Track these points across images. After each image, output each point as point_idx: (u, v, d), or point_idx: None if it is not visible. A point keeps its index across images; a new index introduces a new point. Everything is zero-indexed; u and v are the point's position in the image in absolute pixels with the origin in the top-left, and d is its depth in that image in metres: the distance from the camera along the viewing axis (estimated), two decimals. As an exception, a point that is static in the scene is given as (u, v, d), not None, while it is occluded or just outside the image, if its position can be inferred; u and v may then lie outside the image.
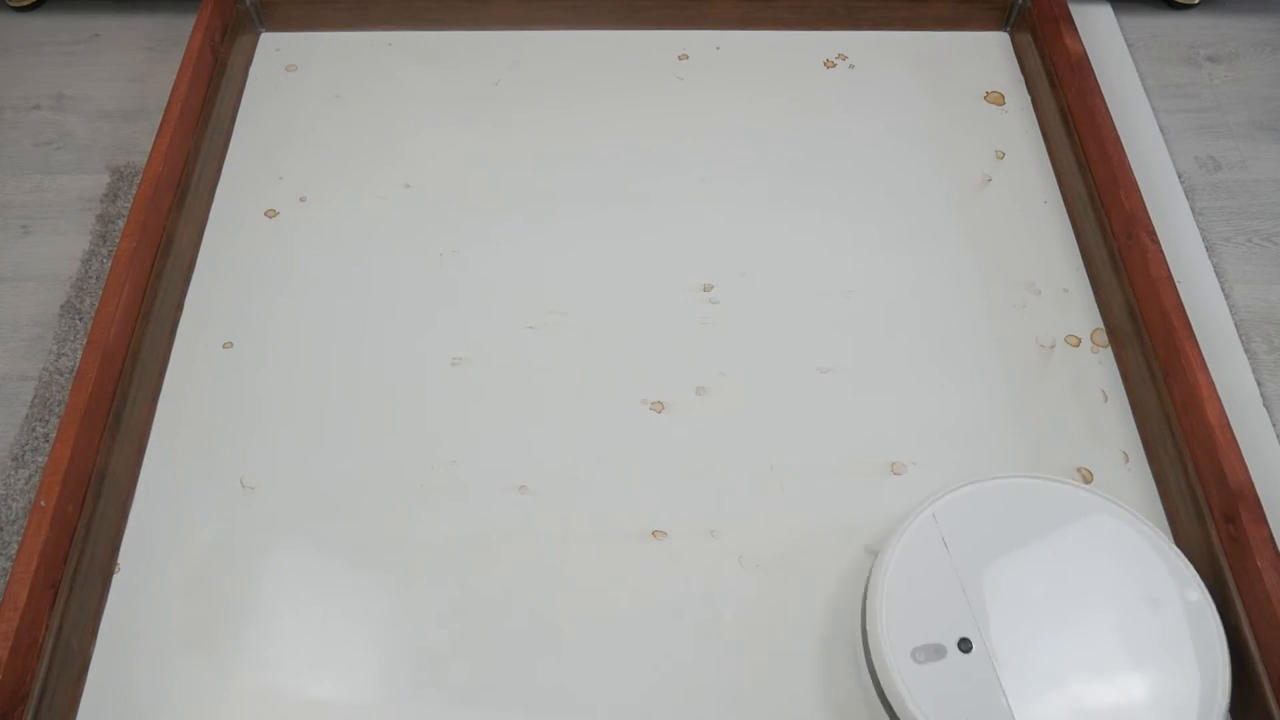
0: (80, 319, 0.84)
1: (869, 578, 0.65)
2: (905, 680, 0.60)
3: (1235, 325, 0.84)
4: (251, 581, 0.69)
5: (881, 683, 0.62)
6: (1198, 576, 0.63)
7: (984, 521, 0.66)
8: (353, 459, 0.75)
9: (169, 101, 0.87)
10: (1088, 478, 0.75)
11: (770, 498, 0.73)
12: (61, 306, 0.85)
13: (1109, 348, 0.81)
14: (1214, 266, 0.88)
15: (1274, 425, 0.79)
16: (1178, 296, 0.76)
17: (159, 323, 0.80)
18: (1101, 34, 1.06)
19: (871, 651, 0.62)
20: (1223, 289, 0.86)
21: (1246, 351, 0.83)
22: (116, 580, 0.70)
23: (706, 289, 0.84)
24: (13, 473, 0.76)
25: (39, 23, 1.07)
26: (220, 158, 0.92)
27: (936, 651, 0.61)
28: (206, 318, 0.82)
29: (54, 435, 0.72)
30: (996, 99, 0.98)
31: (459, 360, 0.80)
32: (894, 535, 0.65)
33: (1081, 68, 0.90)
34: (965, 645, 0.61)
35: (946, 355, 0.81)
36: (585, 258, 0.86)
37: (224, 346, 0.81)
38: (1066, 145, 0.91)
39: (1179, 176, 0.94)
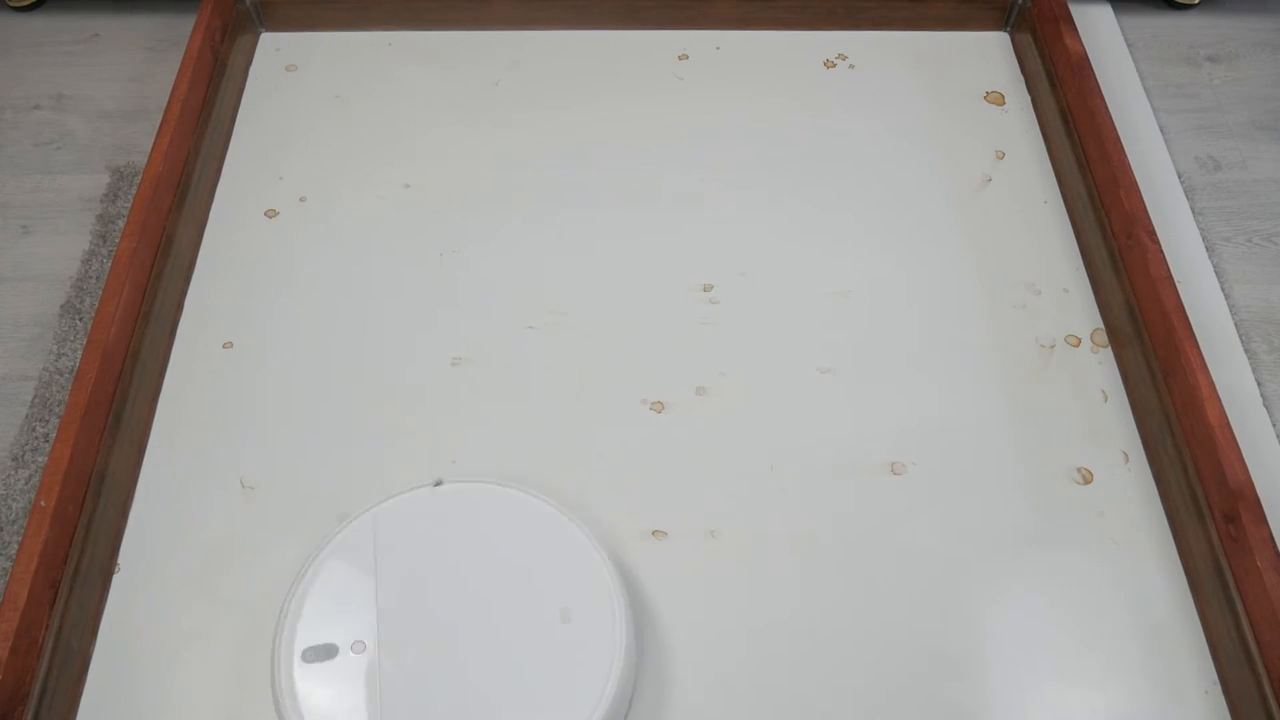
0: (80, 319, 0.84)
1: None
2: (286, 676, 0.60)
3: (1235, 325, 0.84)
4: (251, 581, 0.69)
5: (270, 680, 0.61)
6: (620, 587, 0.63)
7: (426, 527, 0.65)
8: (353, 459, 0.75)
9: (169, 101, 0.87)
10: (1087, 478, 0.75)
11: (770, 498, 0.73)
12: (61, 306, 0.85)
13: (1109, 348, 0.81)
14: (1214, 266, 0.88)
15: (1274, 425, 0.79)
16: (1178, 296, 0.76)
17: (159, 323, 0.80)
18: (1101, 34, 1.06)
19: (272, 650, 0.62)
20: (1223, 289, 0.86)
21: (1246, 351, 0.83)
22: (116, 580, 0.70)
23: (706, 289, 0.84)
24: (13, 473, 0.76)
25: (39, 23, 1.07)
26: (220, 158, 0.92)
27: (327, 651, 0.61)
28: (206, 318, 0.82)
29: (54, 435, 0.72)
30: (996, 99, 0.98)
31: (459, 360, 0.80)
32: (328, 536, 0.65)
33: (1081, 68, 0.90)
34: (359, 647, 0.61)
35: (946, 355, 0.81)
36: (585, 258, 0.86)
37: (224, 346, 0.81)
38: (1066, 145, 0.91)
39: (1179, 176, 0.94)
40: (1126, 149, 0.85)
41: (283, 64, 1.00)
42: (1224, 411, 0.70)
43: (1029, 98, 0.98)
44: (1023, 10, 1.01)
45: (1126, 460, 0.76)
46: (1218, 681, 0.66)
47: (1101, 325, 0.83)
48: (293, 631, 0.61)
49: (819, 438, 0.76)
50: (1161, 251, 0.78)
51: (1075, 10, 0.97)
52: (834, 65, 1.00)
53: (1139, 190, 0.82)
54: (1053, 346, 0.81)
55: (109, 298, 0.75)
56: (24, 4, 1.07)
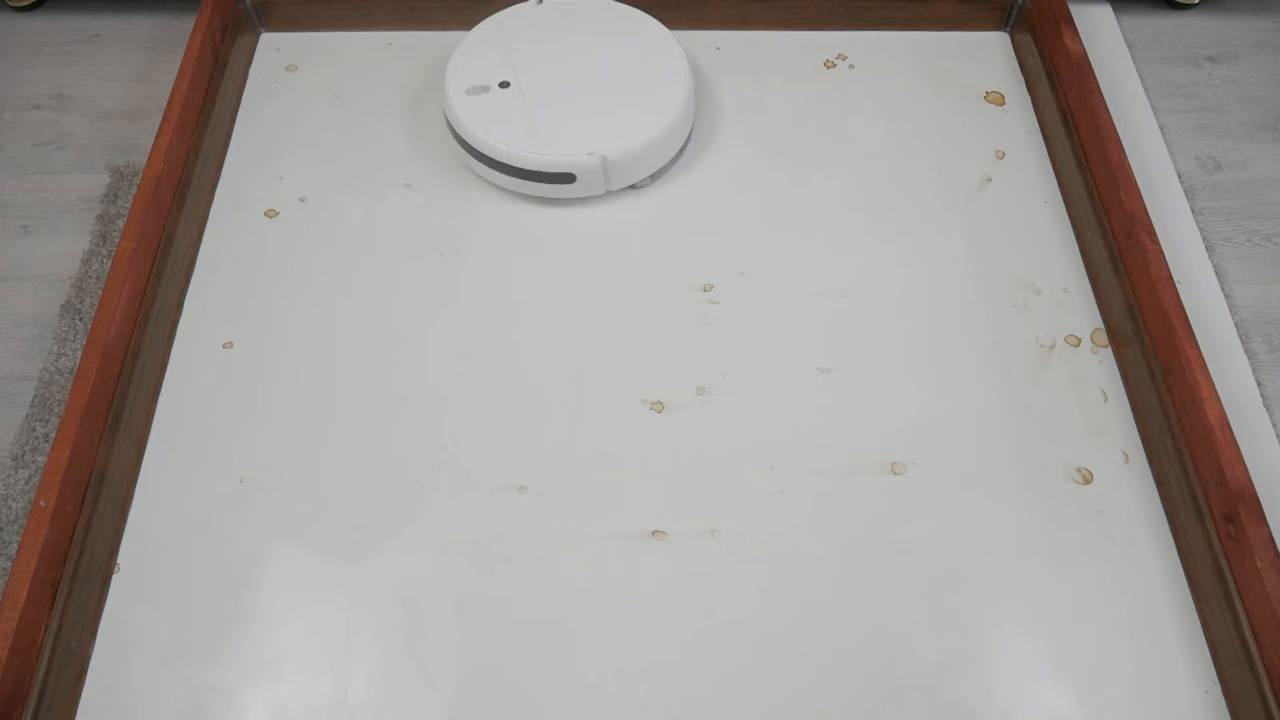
0: (80, 319, 0.84)
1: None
2: (460, 107, 0.86)
3: (1235, 325, 0.84)
4: (252, 581, 0.69)
5: (446, 115, 0.88)
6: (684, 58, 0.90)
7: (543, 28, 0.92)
8: (353, 459, 0.75)
9: (169, 101, 0.87)
10: (1087, 478, 0.75)
11: (770, 498, 0.73)
12: (61, 306, 0.85)
13: (1109, 348, 0.81)
14: (1214, 266, 0.88)
15: (1274, 425, 0.79)
16: (1178, 296, 0.76)
17: (159, 323, 0.80)
18: (1101, 34, 1.06)
19: (444, 97, 0.88)
20: (1223, 289, 0.86)
21: (1246, 351, 0.83)
22: (116, 580, 0.70)
23: (706, 289, 0.84)
24: (13, 473, 0.76)
25: (39, 23, 1.07)
26: (220, 158, 0.92)
27: (482, 89, 0.87)
28: (206, 318, 0.82)
29: (54, 435, 0.72)
30: (996, 99, 0.98)
31: (458, 361, 0.80)
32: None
33: (1081, 68, 0.90)
34: (505, 85, 0.87)
35: (946, 355, 0.81)
36: (585, 257, 0.86)
37: (224, 346, 0.81)
38: (1066, 145, 0.91)
39: (1179, 176, 0.94)
40: (1126, 149, 0.85)
41: (283, 64, 1.00)
42: (1224, 411, 0.70)
43: (1029, 98, 0.98)
44: (1023, 10, 1.01)
45: (1126, 460, 0.76)
46: (1218, 681, 0.66)
47: (1101, 325, 0.83)
48: (457, 78, 0.88)
49: (819, 438, 0.76)
50: (1161, 251, 0.78)
51: (1075, 10, 0.97)
52: (834, 65, 1.00)
53: (1139, 190, 0.82)
54: (1053, 346, 0.81)
55: (109, 298, 0.75)
56: (24, 4, 1.07)
